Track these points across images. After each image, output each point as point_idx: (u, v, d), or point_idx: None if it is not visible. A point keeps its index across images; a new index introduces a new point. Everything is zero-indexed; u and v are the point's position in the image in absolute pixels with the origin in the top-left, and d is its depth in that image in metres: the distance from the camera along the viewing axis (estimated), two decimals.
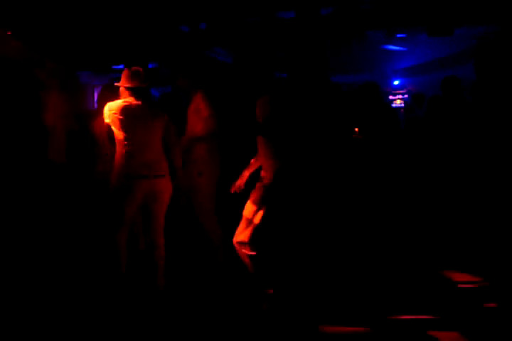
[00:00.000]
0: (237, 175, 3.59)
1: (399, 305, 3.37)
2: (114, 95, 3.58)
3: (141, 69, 3.53)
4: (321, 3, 6.13)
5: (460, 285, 3.72)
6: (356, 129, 4.60)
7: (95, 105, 4.63)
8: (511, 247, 3.70)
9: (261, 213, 3.27)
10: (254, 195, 3.36)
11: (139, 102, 3.45)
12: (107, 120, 3.44)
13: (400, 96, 10.66)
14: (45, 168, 3.73)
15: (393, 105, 10.40)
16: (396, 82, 10.90)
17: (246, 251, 3.29)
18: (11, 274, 3.45)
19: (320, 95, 4.58)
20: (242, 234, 3.32)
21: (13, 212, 3.57)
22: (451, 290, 3.65)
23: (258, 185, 3.39)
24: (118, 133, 3.41)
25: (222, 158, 4.06)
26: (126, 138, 3.39)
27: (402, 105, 10.42)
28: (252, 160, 3.54)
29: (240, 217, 3.41)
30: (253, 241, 3.27)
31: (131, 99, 3.45)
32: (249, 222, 3.31)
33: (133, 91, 3.46)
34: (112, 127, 3.43)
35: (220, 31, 6.62)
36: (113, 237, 3.38)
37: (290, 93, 4.32)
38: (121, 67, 7.20)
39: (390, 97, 10.63)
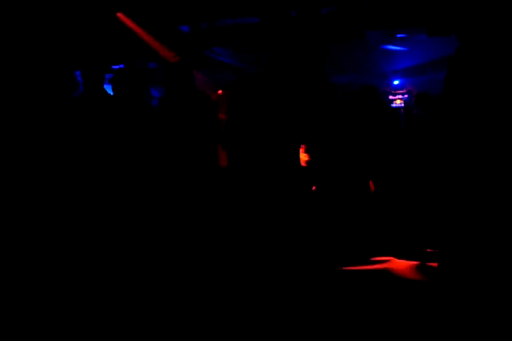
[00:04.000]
0: None
1: None
2: None
3: None
4: (321, 3, 6.13)
5: None
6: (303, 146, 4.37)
7: None
8: None
9: None
10: None
11: None
12: None
13: (400, 96, 10.65)
14: None
15: (393, 105, 10.40)
16: (396, 82, 10.88)
17: None
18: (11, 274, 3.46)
19: (317, 95, 4.57)
20: None
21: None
22: None
23: None
24: None
25: None
26: None
27: (402, 105, 10.42)
28: None
29: None
30: None
31: None
32: None
33: None
34: None
35: (220, 31, 6.63)
36: None
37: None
38: (121, 67, 7.20)
39: (390, 97, 10.62)
